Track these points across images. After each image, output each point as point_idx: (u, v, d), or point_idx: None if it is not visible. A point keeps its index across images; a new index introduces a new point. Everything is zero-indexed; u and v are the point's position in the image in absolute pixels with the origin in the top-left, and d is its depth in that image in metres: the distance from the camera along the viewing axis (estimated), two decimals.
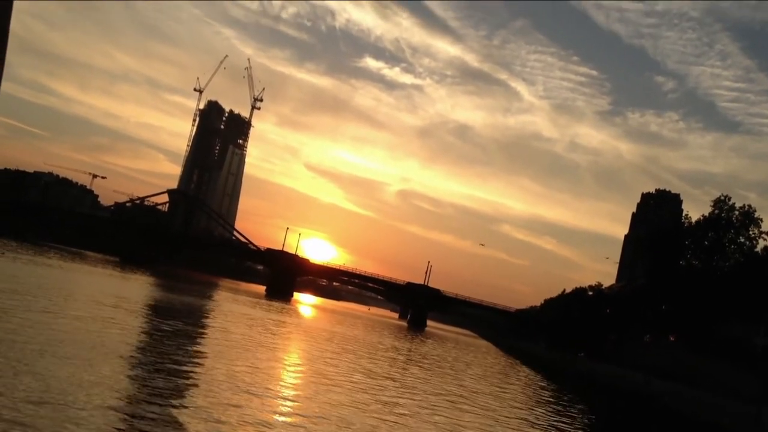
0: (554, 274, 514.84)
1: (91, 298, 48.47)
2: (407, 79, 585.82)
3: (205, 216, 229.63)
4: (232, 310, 73.21)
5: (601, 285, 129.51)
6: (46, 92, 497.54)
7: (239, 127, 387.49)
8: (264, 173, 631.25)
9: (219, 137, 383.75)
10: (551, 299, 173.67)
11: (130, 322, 39.44)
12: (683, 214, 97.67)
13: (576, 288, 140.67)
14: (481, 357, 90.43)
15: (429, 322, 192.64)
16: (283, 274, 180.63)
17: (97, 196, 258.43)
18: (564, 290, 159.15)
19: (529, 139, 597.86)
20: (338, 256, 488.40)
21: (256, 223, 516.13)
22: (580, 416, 40.46)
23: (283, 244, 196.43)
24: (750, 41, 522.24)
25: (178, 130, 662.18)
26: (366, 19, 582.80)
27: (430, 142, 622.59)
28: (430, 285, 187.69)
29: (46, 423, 15.36)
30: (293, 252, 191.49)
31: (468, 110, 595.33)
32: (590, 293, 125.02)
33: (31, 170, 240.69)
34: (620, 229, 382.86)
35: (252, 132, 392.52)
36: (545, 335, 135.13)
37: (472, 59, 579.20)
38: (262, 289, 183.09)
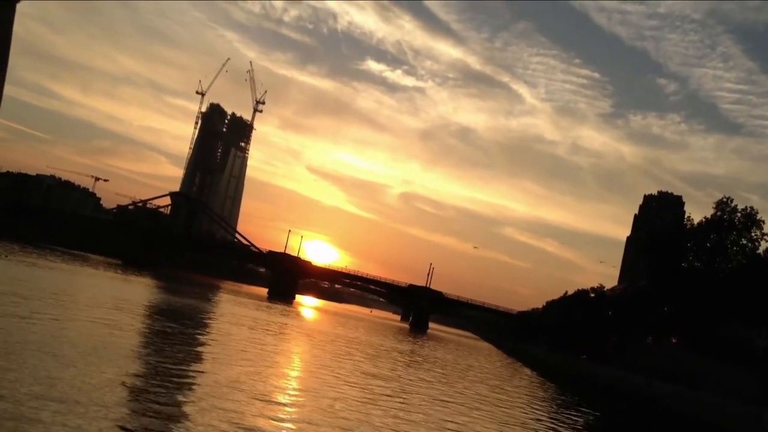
0: (556, 276, 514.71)
1: (93, 301, 48.59)
2: (409, 81, 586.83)
3: (207, 218, 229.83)
4: (234, 312, 73.31)
5: (603, 287, 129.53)
6: (48, 95, 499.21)
7: (241, 130, 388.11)
8: (266, 176, 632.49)
9: (221, 140, 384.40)
10: (553, 301, 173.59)
11: (131, 324, 39.54)
12: (685, 216, 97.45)
13: (578, 290, 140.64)
14: (483, 359, 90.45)
15: (431, 325, 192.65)
16: (285, 277, 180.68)
17: (100, 198, 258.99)
18: (566, 292, 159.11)
19: (531, 141, 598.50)
20: (340, 259, 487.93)
21: (258, 225, 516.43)
22: (582, 418, 40.48)
23: (285, 247, 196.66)
24: (752, 43, 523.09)
25: (181, 133, 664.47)
26: (368, 21, 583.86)
27: (432, 145, 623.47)
28: (432, 287, 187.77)
29: (48, 425, 15.45)
30: (295, 254, 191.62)
31: (470, 113, 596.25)
32: (592, 295, 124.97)
33: (33, 173, 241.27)
34: (622, 231, 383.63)
35: (254, 135, 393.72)
36: (547, 337, 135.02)
37: (474, 62, 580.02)
38: (264, 291, 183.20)
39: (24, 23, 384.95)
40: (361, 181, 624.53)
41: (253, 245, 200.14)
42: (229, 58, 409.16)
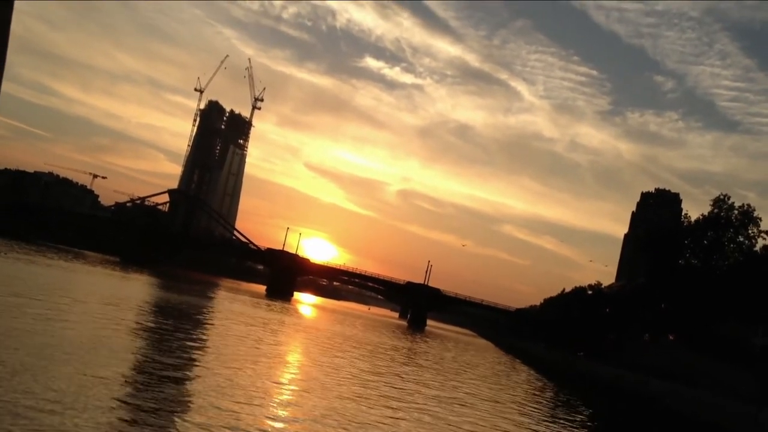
0: (554, 273, 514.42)
1: (92, 299, 48.64)
2: (408, 78, 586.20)
3: (206, 216, 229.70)
4: (232, 309, 73.39)
5: (601, 284, 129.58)
6: (48, 93, 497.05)
7: (240, 127, 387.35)
8: (264, 173, 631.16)
9: (219, 137, 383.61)
10: (551, 298, 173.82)
11: (129, 322, 39.59)
12: (683, 214, 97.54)
13: (575, 287, 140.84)
14: (481, 356, 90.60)
15: (429, 322, 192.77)
16: (284, 274, 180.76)
17: (98, 196, 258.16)
18: (563, 289, 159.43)
19: (529, 138, 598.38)
20: (338, 256, 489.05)
21: (257, 223, 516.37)
22: (581, 418, 40.60)
23: (284, 244, 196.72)
24: (749, 41, 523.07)
25: (179, 130, 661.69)
26: (366, 19, 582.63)
27: (430, 142, 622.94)
28: (430, 284, 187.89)
29: (45, 424, 15.52)
30: (294, 252, 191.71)
31: (468, 110, 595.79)
32: (590, 292, 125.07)
33: (31, 171, 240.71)
34: (620, 229, 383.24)
35: (252, 132, 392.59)
36: (545, 334, 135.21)
37: (472, 59, 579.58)
38: (262, 288, 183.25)
39: (24, 21, 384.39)
40: (360, 179, 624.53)
41: (251, 242, 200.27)
42: (227, 56, 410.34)
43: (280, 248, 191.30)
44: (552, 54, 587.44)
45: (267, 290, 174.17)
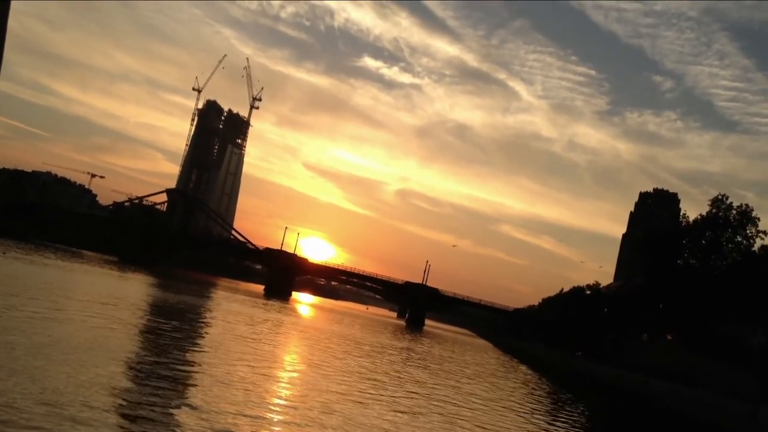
0: (553, 273, 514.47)
1: (89, 298, 48.49)
2: (406, 78, 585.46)
3: (204, 215, 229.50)
4: (231, 309, 73.27)
5: (599, 284, 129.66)
6: (46, 92, 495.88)
7: (238, 127, 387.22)
8: (263, 173, 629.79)
9: (218, 137, 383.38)
10: (549, 298, 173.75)
11: (127, 322, 39.47)
12: (681, 214, 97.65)
13: (574, 287, 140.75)
14: (479, 356, 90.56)
15: (427, 322, 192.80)
16: (282, 274, 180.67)
17: (96, 195, 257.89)
18: (562, 289, 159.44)
19: (527, 138, 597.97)
20: (337, 256, 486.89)
21: (255, 222, 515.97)
22: (576, 415, 40.56)
23: (282, 244, 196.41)
24: (748, 41, 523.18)
25: (177, 130, 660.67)
26: (365, 18, 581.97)
27: (428, 142, 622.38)
28: (429, 284, 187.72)
29: (42, 424, 15.41)
30: (292, 251, 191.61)
31: (467, 110, 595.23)
32: (588, 292, 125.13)
33: (29, 170, 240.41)
34: (618, 229, 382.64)
35: (251, 131, 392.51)
36: (543, 334, 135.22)
37: (470, 59, 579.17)
38: (260, 288, 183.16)
39: (22, 21, 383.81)
40: (358, 178, 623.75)
41: (249, 242, 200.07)
42: (225, 55, 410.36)
43: (279, 248, 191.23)
44: (550, 54, 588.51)
45: (265, 290, 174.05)
